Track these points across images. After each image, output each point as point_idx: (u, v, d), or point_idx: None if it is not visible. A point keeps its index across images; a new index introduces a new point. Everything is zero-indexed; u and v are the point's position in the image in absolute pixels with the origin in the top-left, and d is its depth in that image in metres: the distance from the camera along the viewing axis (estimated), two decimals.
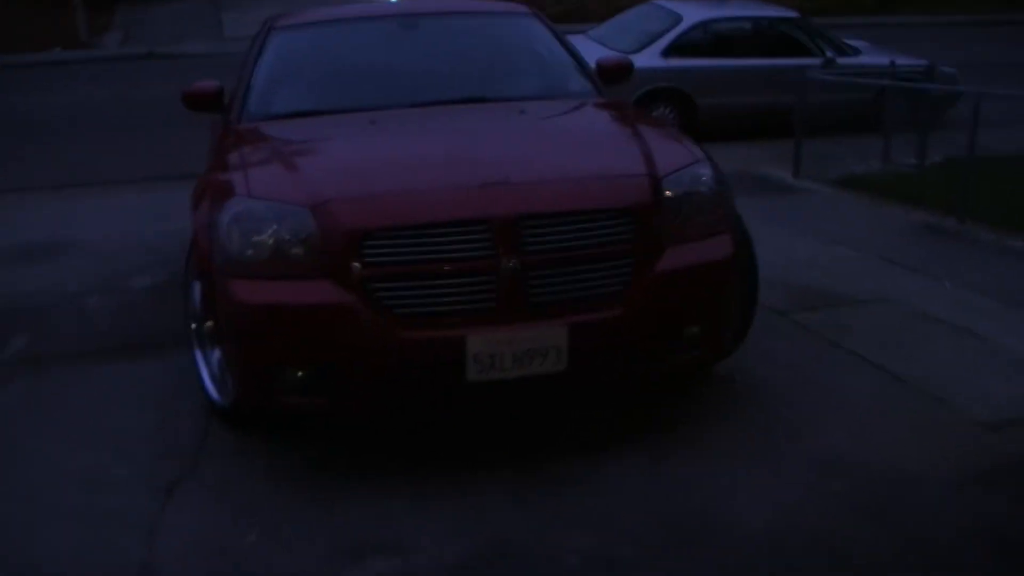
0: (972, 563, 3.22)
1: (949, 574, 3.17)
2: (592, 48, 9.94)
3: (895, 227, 7.15)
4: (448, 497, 3.60)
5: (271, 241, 3.63)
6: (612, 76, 5.32)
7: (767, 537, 3.34)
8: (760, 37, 11.35)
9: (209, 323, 4.04)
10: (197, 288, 4.30)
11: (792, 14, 11.73)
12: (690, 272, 3.79)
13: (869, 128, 9.95)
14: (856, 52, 11.50)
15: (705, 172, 4.00)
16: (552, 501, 3.57)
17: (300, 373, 3.62)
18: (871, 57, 11.36)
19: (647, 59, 10.48)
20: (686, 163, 4.00)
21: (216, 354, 4.18)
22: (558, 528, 3.40)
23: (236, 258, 3.66)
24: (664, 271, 3.73)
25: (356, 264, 3.51)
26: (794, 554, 3.26)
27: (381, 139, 4.32)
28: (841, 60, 11.16)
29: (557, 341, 3.60)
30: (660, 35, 10.89)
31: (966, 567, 3.20)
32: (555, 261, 3.60)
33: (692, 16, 11.08)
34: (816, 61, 11.05)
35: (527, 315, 3.57)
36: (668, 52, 10.73)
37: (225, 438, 4.10)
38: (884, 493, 3.60)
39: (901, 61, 10.17)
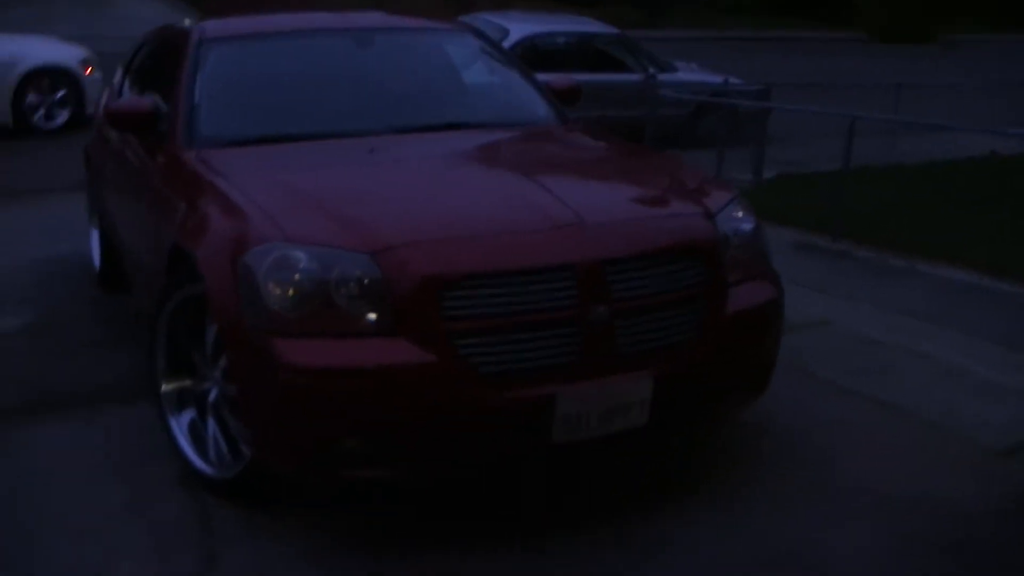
0: None
1: None
2: None
3: (772, 246, 7.33)
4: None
5: (322, 292, 3.19)
6: (564, 99, 5.14)
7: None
8: (584, 52, 11.49)
9: (219, 387, 3.55)
10: (162, 345, 3.81)
11: (614, 30, 11.96)
12: (751, 313, 3.70)
13: (680, 145, 10.21)
14: (674, 68, 11.85)
15: (745, 208, 3.90)
16: (650, 566, 3.35)
17: (368, 442, 3.21)
18: (692, 74, 11.74)
19: None
20: (729, 198, 3.90)
21: (212, 423, 3.74)
22: None
23: (278, 313, 3.20)
24: (731, 313, 3.62)
25: (437, 317, 3.15)
26: None
27: (404, 174, 3.95)
28: (661, 76, 11.46)
29: (642, 394, 3.40)
30: None
31: None
32: (637, 308, 3.40)
33: (518, 31, 11.08)
34: (636, 77, 11.30)
35: (613, 368, 3.34)
36: None
37: (229, 516, 3.60)
38: (945, 527, 3.62)
39: (731, 80, 10.58)
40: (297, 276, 3.23)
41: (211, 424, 3.79)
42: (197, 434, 3.86)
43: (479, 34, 5.29)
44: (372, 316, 3.20)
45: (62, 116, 11.68)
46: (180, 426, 3.89)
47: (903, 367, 5.06)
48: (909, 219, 8.00)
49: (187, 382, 3.90)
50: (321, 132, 4.27)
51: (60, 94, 11.65)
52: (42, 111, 11.61)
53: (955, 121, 10.43)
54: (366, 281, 3.21)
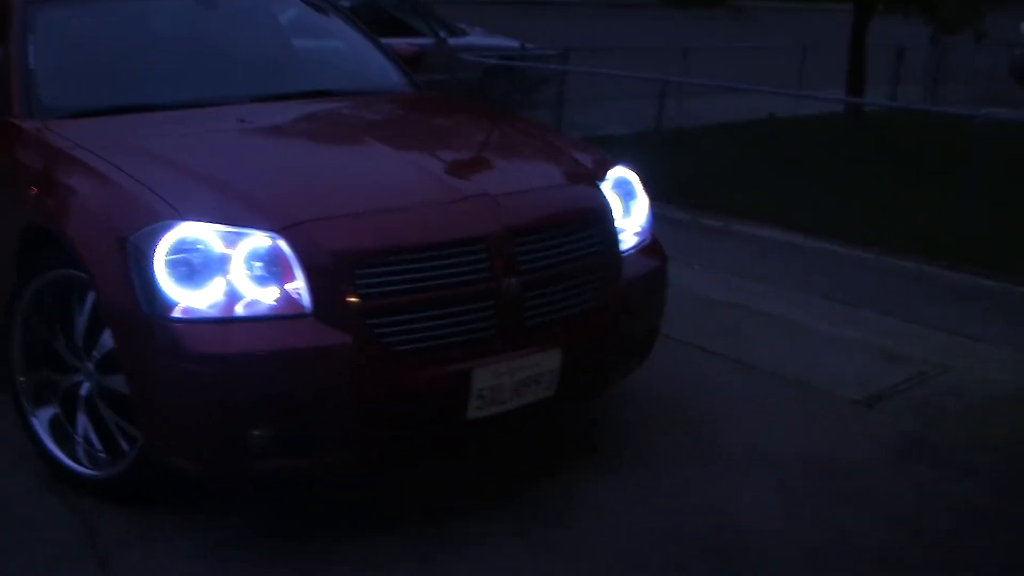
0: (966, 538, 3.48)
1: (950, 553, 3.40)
2: None
3: None
4: (441, 552, 3.24)
5: (223, 275, 2.99)
6: (408, 65, 5.02)
7: (773, 536, 3.40)
8: (372, 17, 11.26)
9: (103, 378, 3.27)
10: (17, 335, 3.49)
11: None
12: (643, 280, 3.74)
13: None
14: (464, 33, 11.83)
15: (630, 173, 3.93)
16: (557, 534, 3.35)
17: (280, 431, 3.03)
18: (485, 39, 11.76)
19: None
20: (611, 164, 3.91)
21: (82, 418, 3.46)
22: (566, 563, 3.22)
23: (176, 298, 2.98)
24: (627, 280, 3.63)
25: (351, 296, 3.01)
26: (809, 552, 3.34)
27: (285, 145, 3.73)
28: (453, 41, 11.41)
29: (552, 364, 3.37)
30: None
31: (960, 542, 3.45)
32: (546, 278, 3.36)
33: None
34: (427, 41, 11.22)
35: (526, 340, 3.30)
36: None
37: (114, 519, 3.34)
38: (833, 480, 3.79)
39: (527, 45, 10.65)
40: (197, 258, 3.00)
41: (81, 420, 3.50)
42: (62, 432, 3.55)
43: None
44: (278, 297, 3.02)
45: None
46: (41, 424, 3.56)
47: (751, 327, 5.25)
48: (716, 181, 8.31)
49: (48, 375, 3.57)
50: (179, 102, 3.98)
51: None
52: None
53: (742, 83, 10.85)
54: (272, 260, 3.02)
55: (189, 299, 2.99)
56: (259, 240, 3.03)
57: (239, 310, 3.01)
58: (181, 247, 3.01)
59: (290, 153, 3.68)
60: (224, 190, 3.22)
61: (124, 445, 3.37)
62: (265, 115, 3.98)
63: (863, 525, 3.50)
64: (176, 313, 2.97)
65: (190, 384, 2.99)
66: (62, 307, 3.44)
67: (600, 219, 3.59)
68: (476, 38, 11.81)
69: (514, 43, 11.12)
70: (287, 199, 3.20)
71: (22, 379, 3.58)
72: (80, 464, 3.48)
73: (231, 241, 3.02)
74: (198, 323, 2.98)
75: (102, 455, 3.45)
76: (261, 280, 3.03)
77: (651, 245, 3.90)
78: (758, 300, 5.64)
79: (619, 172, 3.89)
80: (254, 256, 3.02)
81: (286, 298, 3.02)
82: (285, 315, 3.01)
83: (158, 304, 2.98)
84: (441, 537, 3.31)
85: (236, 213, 3.08)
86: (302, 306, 3.01)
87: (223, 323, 2.99)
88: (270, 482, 3.37)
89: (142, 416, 3.14)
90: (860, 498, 3.67)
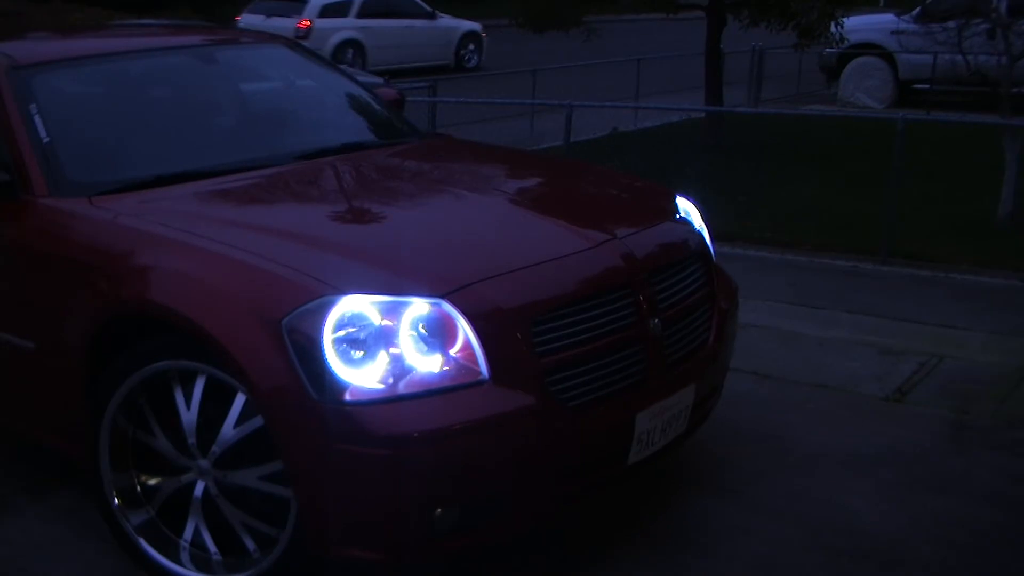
0: None
1: None
2: None
3: None
4: None
5: (393, 347, 2.88)
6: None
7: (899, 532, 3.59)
8: None
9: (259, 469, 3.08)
10: (105, 440, 3.25)
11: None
12: (730, 313, 3.83)
13: None
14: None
15: (690, 203, 4.02)
16: (705, 562, 3.42)
17: (467, 506, 2.94)
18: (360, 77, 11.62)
19: None
20: (675, 194, 3.99)
21: (193, 521, 3.26)
22: None
23: (348, 379, 2.84)
24: (723, 312, 3.73)
25: (529, 355, 2.96)
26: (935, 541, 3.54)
27: (386, 205, 3.62)
28: None
29: (688, 400, 3.45)
30: None
31: None
32: (677, 315, 3.43)
33: None
34: None
35: (671, 379, 3.34)
36: None
37: None
38: (909, 471, 4.02)
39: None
40: (363, 334, 2.88)
41: (191, 523, 3.27)
42: (159, 537, 3.31)
43: (296, 46, 4.91)
44: (451, 366, 2.93)
45: None
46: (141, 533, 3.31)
47: (745, 338, 5.41)
48: None
49: (140, 479, 3.33)
50: (223, 166, 3.77)
51: None
52: None
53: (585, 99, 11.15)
54: (439, 328, 2.93)
55: (359, 379, 2.88)
56: (423, 307, 2.94)
57: (412, 385, 2.90)
58: (345, 324, 2.88)
59: (405, 214, 3.58)
60: (365, 258, 3.10)
61: (251, 544, 3.18)
62: (327, 175, 3.84)
63: (969, 509, 3.73)
64: (349, 396, 2.85)
65: (373, 469, 2.87)
66: (165, 403, 3.20)
67: (703, 251, 3.68)
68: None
69: (379, 79, 11.01)
70: (438, 261, 3.11)
71: (114, 489, 3.31)
72: (195, 570, 3.24)
73: (394, 311, 2.92)
74: (375, 404, 2.87)
75: (216, 558, 3.24)
76: (428, 349, 2.93)
77: (724, 276, 3.98)
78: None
79: (684, 203, 3.97)
80: (419, 325, 2.92)
81: (459, 366, 2.95)
82: (462, 384, 2.93)
83: (329, 388, 2.85)
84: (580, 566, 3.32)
85: (392, 281, 2.98)
86: (478, 372, 2.94)
87: (400, 400, 2.89)
88: (452, 562, 3.24)
89: (310, 509, 2.96)
90: (952, 485, 3.90)
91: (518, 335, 2.98)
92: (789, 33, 9.99)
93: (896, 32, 13.79)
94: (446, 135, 4.84)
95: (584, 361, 3.09)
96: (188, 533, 3.29)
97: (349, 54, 17.13)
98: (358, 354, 2.88)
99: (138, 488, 3.36)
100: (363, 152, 4.13)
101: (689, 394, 3.42)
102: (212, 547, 3.25)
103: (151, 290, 3.15)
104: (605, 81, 12.91)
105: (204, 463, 3.18)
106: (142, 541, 3.31)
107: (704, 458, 4.14)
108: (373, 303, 2.91)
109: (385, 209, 3.61)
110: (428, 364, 2.92)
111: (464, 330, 2.94)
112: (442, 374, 2.92)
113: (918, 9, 13.38)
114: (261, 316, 2.93)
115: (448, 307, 2.94)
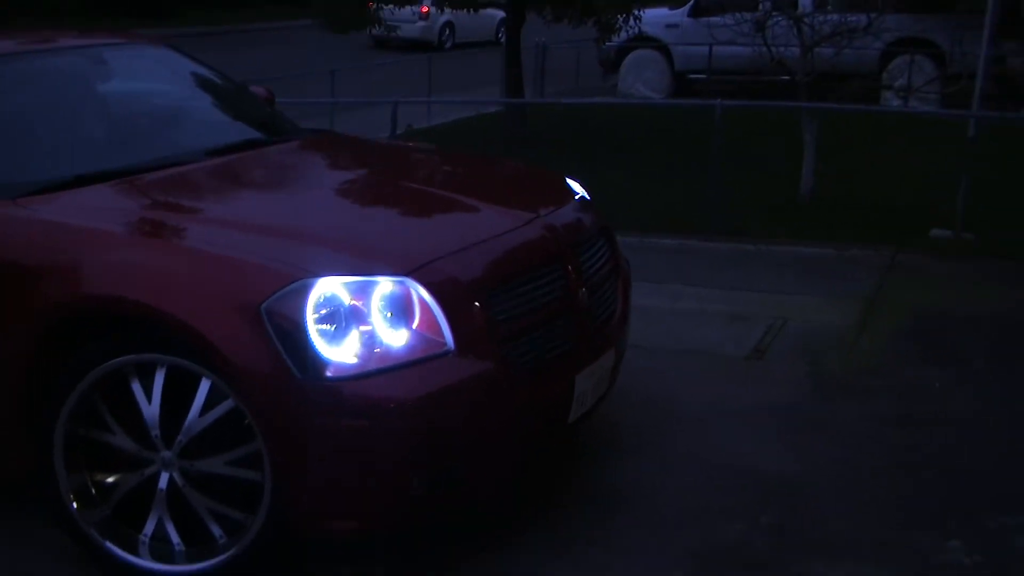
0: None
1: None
2: None
3: None
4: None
5: (366, 325, 3.15)
6: None
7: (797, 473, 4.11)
8: None
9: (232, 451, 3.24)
10: (59, 441, 3.36)
11: None
12: (630, 281, 4.26)
13: None
14: None
15: (582, 189, 4.43)
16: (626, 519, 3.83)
17: (435, 475, 3.23)
18: None
19: None
20: (572, 184, 4.39)
21: (155, 514, 3.37)
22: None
23: (329, 357, 3.09)
24: (627, 281, 4.16)
25: (486, 325, 3.29)
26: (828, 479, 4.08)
27: (317, 192, 3.84)
28: None
29: (609, 362, 3.85)
30: None
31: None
32: (597, 285, 3.82)
33: None
34: None
35: (598, 343, 3.73)
36: None
37: None
38: (795, 419, 4.57)
39: None
40: (339, 313, 3.12)
41: (154, 517, 3.39)
42: (118, 534, 3.42)
43: (179, 49, 5.01)
44: (418, 340, 3.21)
45: None
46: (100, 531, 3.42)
47: None
48: None
49: (96, 477, 3.43)
50: (142, 164, 3.87)
51: None
52: None
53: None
54: (405, 304, 3.20)
55: (339, 355, 3.11)
56: (390, 286, 3.20)
57: (385, 358, 3.16)
58: (322, 305, 3.11)
59: (344, 202, 3.81)
60: (327, 243, 3.33)
61: (217, 531, 3.34)
62: (254, 167, 4.02)
63: (845, 445, 4.32)
64: (331, 372, 3.08)
65: (353, 441, 3.11)
66: (122, 397, 3.31)
67: (606, 226, 4.07)
68: None
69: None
70: (397, 243, 3.38)
71: (70, 492, 3.40)
72: (159, 563, 3.37)
73: (364, 291, 3.17)
74: (354, 379, 3.10)
75: (179, 548, 3.38)
76: (396, 325, 3.20)
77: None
78: None
79: (576, 185, 4.37)
80: (388, 302, 3.19)
81: (425, 338, 3.22)
82: (432, 356, 3.21)
83: (311, 366, 3.07)
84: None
85: (359, 263, 3.22)
86: (444, 343, 3.22)
87: (377, 374, 3.13)
88: (425, 528, 3.50)
89: (292, 486, 3.16)
90: (825, 427, 4.49)
91: (476, 305, 3.29)
92: (588, 28, 10.63)
93: (670, 26, 14.77)
94: (329, 131, 5.05)
95: (531, 329, 3.43)
96: (149, 527, 3.39)
97: (447, 32, 24.59)
98: (335, 332, 3.11)
99: (91, 488, 3.45)
100: (270, 147, 4.31)
101: (610, 356, 3.82)
102: (175, 538, 3.38)
103: (117, 285, 3.26)
104: (396, 79, 13.22)
105: (167, 454, 3.31)
106: (107, 542, 3.39)
107: (600, 422, 4.55)
108: (344, 284, 3.15)
109: (323, 199, 3.84)
110: (398, 338, 3.18)
111: (429, 304, 3.22)
112: (411, 346, 3.19)
113: (690, 4, 14.40)
114: (237, 303, 3.11)
115: (413, 283, 3.22)
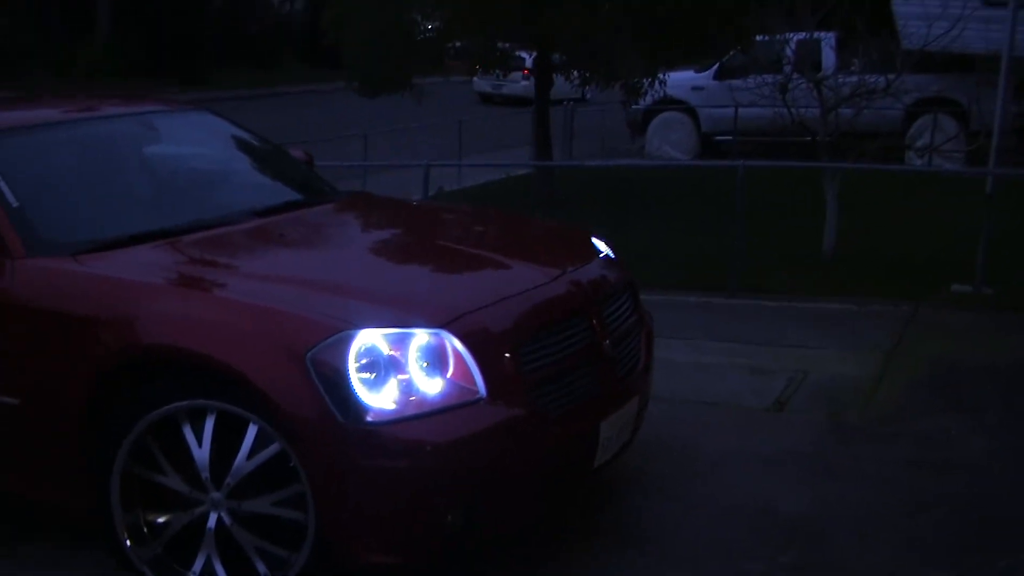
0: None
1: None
2: None
3: None
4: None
5: (403, 374, 3.41)
6: None
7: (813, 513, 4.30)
8: None
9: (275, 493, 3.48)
10: (116, 483, 3.60)
11: None
12: (652, 334, 4.50)
13: None
14: None
15: (606, 246, 4.68)
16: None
17: (470, 510, 3.47)
18: None
19: None
20: (597, 242, 4.64)
21: (204, 553, 3.60)
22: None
23: (369, 403, 3.34)
24: (650, 334, 4.41)
25: (517, 373, 3.53)
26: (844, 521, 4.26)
27: (359, 251, 4.14)
28: None
29: (633, 410, 4.08)
30: None
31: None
32: (621, 337, 4.07)
33: None
34: None
35: (622, 391, 3.97)
36: None
37: None
38: (816, 466, 4.77)
39: None
40: (379, 362, 3.38)
41: (202, 555, 3.63)
42: (169, 572, 3.66)
43: (218, 113, 5.34)
44: (452, 387, 3.46)
45: None
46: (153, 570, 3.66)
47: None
48: None
49: (148, 517, 3.68)
50: (189, 224, 4.17)
51: None
52: None
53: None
54: (440, 354, 3.46)
55: (378, 401, 3.38)
56: (426, 337, 3.47)
57: (422, 404, 3.42)
58: (363, 354, 3.37)
59: (384, 259, 4.10)
60: (368, 297, 3.60)
61: (263, 569, 3.57)
62: (296, 227, 4.33)
63: (864, 489, 4.51)
64: (371, 417, 3.35)
65: (393, 480, 3.37)
66: (175, 441, 3.57)
67: (630, 282, 4.33)
68: None
69: None
70: (433, 297, 3.65)
71: (125, 530, 3.65)
72: None
73: (402, 342, 3.44)
74: (393, 423, 3.37)
75: None
76: (432, 373, 3.46)
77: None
78: None
79: (600, 243, 4.63)
80: (424, 352, 3.46)
81: (459, 387, 3.48)
82: (465, 403, 3.48)
83: (354, 411, 3.34)
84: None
85: (398, 316, 3.50)
86: (476, 391, 3.48)
87: (414, 418, 3.39)
88: (457, 560, 3.73)
89: (336, 524, 3.41)
90: (845, 473, 4.68)
91: (507, 356, 3.55)
92: (614, 90, 10.98)
93: (696, 88, 15.10)
94: (365, 192, 5.35)
95: (558, 377, 3.69)
96: (198, 565, 3.64)
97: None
98: (375, 380, 3.38)
99: (143, 527, 3.71)
100: (310, 208, 4.62)
101: (635, 404, 4.06)
102: (221, 574, 3.63)
103: (172, 336, 3.54)
104: (427, 141, 13.63)
105: (217, 495, 3.57)
106: None
107: (624, 466, 4.77)
108: (384, 335, 3.43)
109: (362, 256, 4.15)
110: (433, 386, 3.44)
111: (462, 354, 3.48)
112: (446, 394, 3.45)
113: (715, 67, 14.72)
114: (285, 352, 3.39)
115: (447, 335, 3.49)
